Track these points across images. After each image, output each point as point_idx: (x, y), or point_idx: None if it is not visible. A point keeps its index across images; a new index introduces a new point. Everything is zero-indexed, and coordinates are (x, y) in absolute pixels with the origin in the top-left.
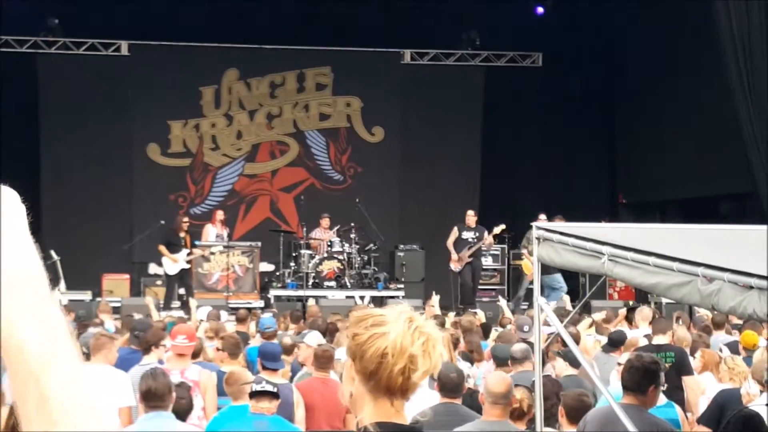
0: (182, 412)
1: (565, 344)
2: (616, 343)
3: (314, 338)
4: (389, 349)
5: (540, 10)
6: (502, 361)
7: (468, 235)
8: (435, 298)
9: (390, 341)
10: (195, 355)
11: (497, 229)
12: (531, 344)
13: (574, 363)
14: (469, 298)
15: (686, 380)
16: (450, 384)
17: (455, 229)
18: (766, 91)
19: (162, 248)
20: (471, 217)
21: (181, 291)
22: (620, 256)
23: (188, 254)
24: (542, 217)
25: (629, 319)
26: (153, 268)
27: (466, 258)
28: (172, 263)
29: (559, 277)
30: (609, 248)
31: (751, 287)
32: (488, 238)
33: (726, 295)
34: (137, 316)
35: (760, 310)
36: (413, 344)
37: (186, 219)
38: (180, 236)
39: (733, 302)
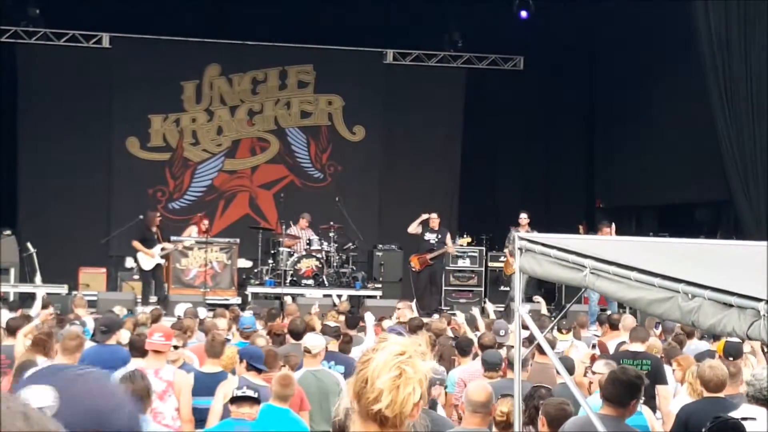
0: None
1: (542, 351)
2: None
3: (314, 340)
4: (369, 376)
5: (524, 14)
6: (491, 366)
7: (430, 236)
8: (412, 303)
9: (371, 368)
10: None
11: (462, 241)
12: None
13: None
14: (427, 302)
15: (659, 389)
16: None
17: (420, 227)
18: (742, 100)
19: (137, 244)
20: (434, 220)
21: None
22: (602, 270)
23: (162, 249)
24: (523, 216)
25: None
26: (130, 262)
27: (427, 260)
28: (148, 258)
29: None
30: (591, 261)
31: (731, 305)
32: (451, 247)
33: (706, 313)
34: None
35: (740, 329)
36: (384, 376)
37: (158, 214)
38: (152, 231)
39: (713, 320)
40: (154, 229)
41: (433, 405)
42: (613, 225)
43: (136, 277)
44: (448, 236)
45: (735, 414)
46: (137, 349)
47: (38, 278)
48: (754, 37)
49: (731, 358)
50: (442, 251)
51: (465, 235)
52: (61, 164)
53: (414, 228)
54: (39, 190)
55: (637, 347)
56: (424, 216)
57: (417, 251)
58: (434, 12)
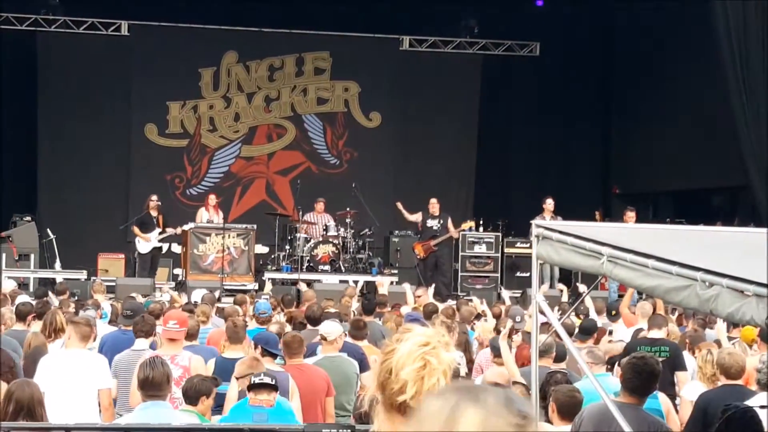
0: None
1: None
2: (587, 331)
3: (330, 327)
4: (393, 367)
5: (539, 2)
6: (499, 352)
7: (432, 222)
8: (429, 290)
9: (395, 359)
10: (191, 336)
11: (465, 225)
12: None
13: (558, 358)
14: (437, 289)
15: (679, 375)
16: None
17: (420, 214)
18: (760, 85)
19: (135, 229)
20: (434, 205)
21: (177, 271)
22: (620, 258)
23: (160, 233)
24: (549, 201)
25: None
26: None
27: (431, 247)
28: (144, 242)
29: None
30: (608, 249)
31: (749, 294)
32: (455, 231)
33: (724, 301)
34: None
35: (758, 317)
36: (408, 367)
37: (155, 197)
38: (152, 215)
39: (731, 308)
40: (155, 213)
41: None
42: (635, 211)
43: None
44: (450, 221)
45: (750, 402)
46: (138, 331)
47: (58, 264)
48: None
49: None
50: (446, 237)
51: (469, 220)
52: (80, 151)
53: (412, 216)
54: (58, 177)
55: (655, 334)
56: (401, 208)
57: (420, 238)
58: None
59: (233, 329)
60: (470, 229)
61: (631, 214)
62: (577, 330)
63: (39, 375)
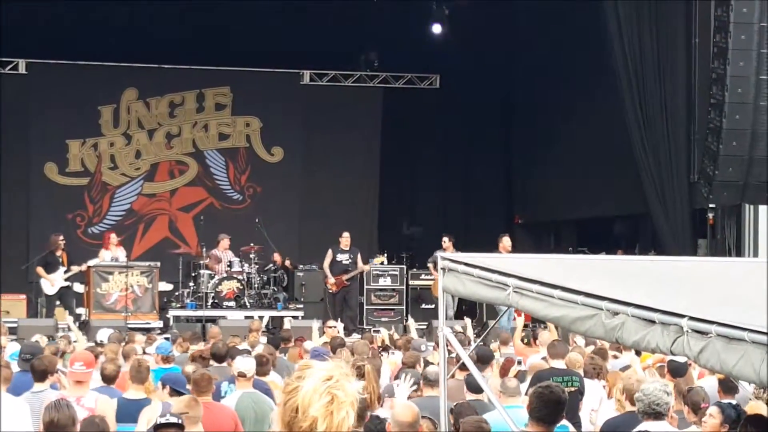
0: None
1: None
2: (484, 359)
3: (247, 363)
4: (299, 405)
5: (437, 28)
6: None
7: (342, 257)
8: (339, 324)
9: (300, 396)
10: (111, 379)
11: (377, 260)
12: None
13: (475, 389)
14: (344, 323)
15: (584, 403)
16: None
17: (330, 251)
18: (658, 114)
19: (39, 270)
20: (346, 239)
21: (79, 311)
22: (525, 289)
23: (65, 272)
24: (445, 239)
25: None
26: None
27: (343, 282)
28: (50, 284)
29: None
30: (514, 280)
31: (654, 322)
32: (366, 266)
33: (629, 330)
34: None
35: (664, 345)
36: (316, 403)
37: (61, 237)
38: (56, 255)
39: (636, 336)
40: (59, 252)
41: None
42: (507, 237)
43: (58, 303)
44: (359, 255)
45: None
46: (37, 372)
47: None
48: (665, 47)
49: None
50: (358, 271)
51: (380, 254)
52: None
53: (327, 263)
54: None
55: (559, 363)
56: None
57: (331, 272)
58: (350, 32)
59: (137, 368)
60: (381, 263)
61: (506, 240)
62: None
63: None
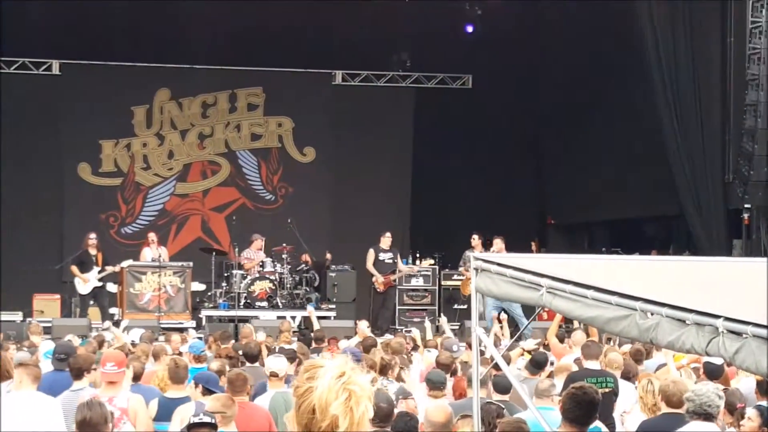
0: None
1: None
2: (539, 364)
3: (278, 362)
4: (316, 406)
5: (469, 29)
6: (435, 385)
7: (385, 256)
8: (363, 323)
9: (317, 397)
10: (137, 377)
11: (425, 263)
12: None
13: (503, 389)
14: (381, 322)
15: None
16: (380, 413)
17: (371, 251)
18: (692, 115)
19: (73, 268)
20: (388, 238)
21: (112, 310)
22: (559, 289)
23: (99, 272)
24: (474, 237)
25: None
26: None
27: (391, 281)
28: (83, 283)
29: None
30: (547, 280)
31: (689, 323)
32: (413, 268)
33: (664, 330)
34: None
35: (698, 346)
36: (335, 402)
37: (93, 236)
38: (90, 254)
39: (671, 337)
40: (93, 252)
41: None
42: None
43: (92, 302)
44: (398, 254)
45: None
46: (74, 370)
47: None
48: (700, 47)
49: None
50: (406, 272)
51: (421, 258)
52: (13, 191)
53: (371, 263)
54: None
55: (593, 364)
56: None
57: (379, 272)
58: (383, 32)
59: (175, 369)
60: (430, 265)
61: (498, 242)
62: (528, 363)
63: None
